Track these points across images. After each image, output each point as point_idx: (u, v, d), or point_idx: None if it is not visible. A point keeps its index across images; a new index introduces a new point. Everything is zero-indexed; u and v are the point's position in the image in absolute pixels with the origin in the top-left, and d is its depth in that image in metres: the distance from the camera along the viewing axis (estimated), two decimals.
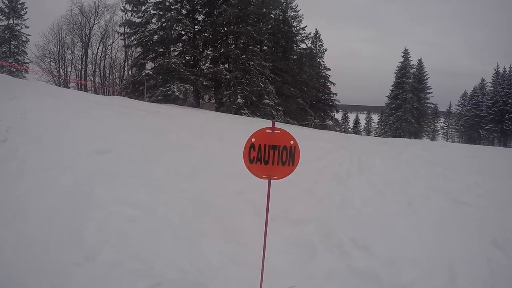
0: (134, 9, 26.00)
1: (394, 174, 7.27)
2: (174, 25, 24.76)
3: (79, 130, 6.43)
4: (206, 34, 26.54)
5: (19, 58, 35.58)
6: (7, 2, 34.83)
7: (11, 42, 35.16)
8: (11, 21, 35.07)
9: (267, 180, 3.31)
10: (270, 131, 3.21)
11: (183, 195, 4.60)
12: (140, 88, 24.43)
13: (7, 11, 34.96)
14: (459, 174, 7.96)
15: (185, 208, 4.48)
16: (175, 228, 4.01)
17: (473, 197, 5.93)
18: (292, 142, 3.24)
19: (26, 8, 35.95)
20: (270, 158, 3.22)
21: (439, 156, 10.86)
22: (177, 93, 22.95)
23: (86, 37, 41.09)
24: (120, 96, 24.83)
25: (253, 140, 3.20)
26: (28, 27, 36.15)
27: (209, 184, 5.12)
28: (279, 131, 3.23)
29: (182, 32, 25.79)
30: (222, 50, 26.13)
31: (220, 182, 5.22)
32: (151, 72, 23.75)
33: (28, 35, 36.19)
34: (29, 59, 36.61)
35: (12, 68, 31.16)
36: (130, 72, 33.99)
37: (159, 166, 5.26)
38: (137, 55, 28.56)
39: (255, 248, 3.48)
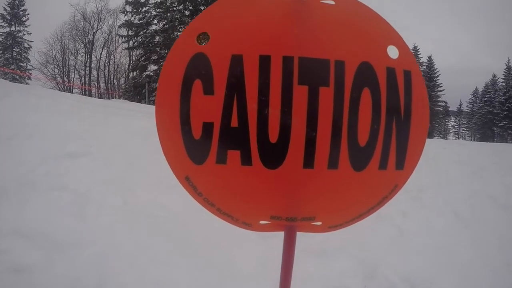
0: (134, 10, 25.42)
1: (424, 176, 6.27)
2: (178, 27, 24.12)
3: (57, 131, 5.57)
4: None
5: (22, 64, 35.31)
6: (9, 9, 34.62)
7: (14, 49, 34.91)
8: (13, 28, 34.88)
9: (283, 233, 1.02)
10: None
11: (154, 213, 3.30)
12: (143, 91, 23.76)
13: (9, 17, 34.73)
14: (492, 174, 7.05)
15: (146, 239, 2.83)
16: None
17: None
18: (395, 51, 0.90)
19: (28, 14, 35.77)
20: (296, 128, 0.83)
21: (463, 155, 9.91)
22: None
23: (90, 43, 40.72)
24: (120, 99, 24.20)
25: (201, 39, 0.86)
26: (30, 33, 35.99)
27: None
28: (332, 2, 0.90)
29: None
30: None
31: None
32: (152, 74, 23.08)
33: (31, 41, 35.99)
34: (31, 66, 36.34)
35: (14, 75, 30.80)
36: (131, 75, 33.51)
37: (138, 171, 4.30)
38: (138, 57, 28.03)
39: None
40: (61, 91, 34.99)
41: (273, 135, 0.83)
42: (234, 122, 0.83)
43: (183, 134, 0.87)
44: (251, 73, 0.82)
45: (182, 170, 0.92)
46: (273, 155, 0.84)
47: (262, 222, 0.99)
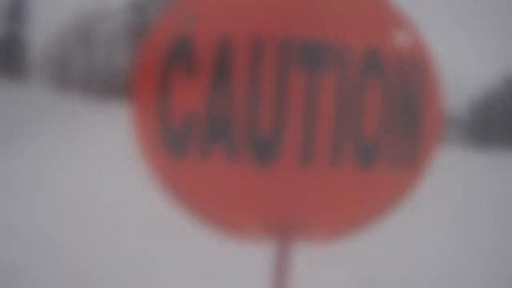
0: (135, 11, 25.57)
1: (423, 183, 6.35)
2: None
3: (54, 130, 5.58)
4: None
5: (22, 63, 35.37)
6: (9, 5, 34.75)
7: (14, 46, 35.00)
8: (12, 25, 34.94)
9: (275, 243, 0.83)
10: None
11: (149, 214, 3.28)
12: None
13: (9, 15, 34.82)
14: (491, 181, 7.26)
15: (140, 241, 2.73)
16: None
17: None
18: (405, 37, 0.80)
19: (29, 13, 35.87)
20: (293, 119, 0.71)
21: (462, 163, 10.15)
22: None
23: (90, 43, 40.85)
24: None
25: (185, 19, 0.75)
26: (31, 32, 36.02)
27: None
28: None
29: None
30: None
31: None
32: None
33: (31, 40, 36.06)
34: (31, 65, 36.38)
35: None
36: None
37: (134, 171, 4.26)
38: None
39: None
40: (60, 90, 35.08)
41: (265, 127, 0.70)
42: (220, 111, 0.71)
43: (161, 125, 0.75)
44: (241, 55, 0.69)
45: (159, 166, 0.82)
46: (265, 150, 0.71)
47: (250, 229, 0.84)
